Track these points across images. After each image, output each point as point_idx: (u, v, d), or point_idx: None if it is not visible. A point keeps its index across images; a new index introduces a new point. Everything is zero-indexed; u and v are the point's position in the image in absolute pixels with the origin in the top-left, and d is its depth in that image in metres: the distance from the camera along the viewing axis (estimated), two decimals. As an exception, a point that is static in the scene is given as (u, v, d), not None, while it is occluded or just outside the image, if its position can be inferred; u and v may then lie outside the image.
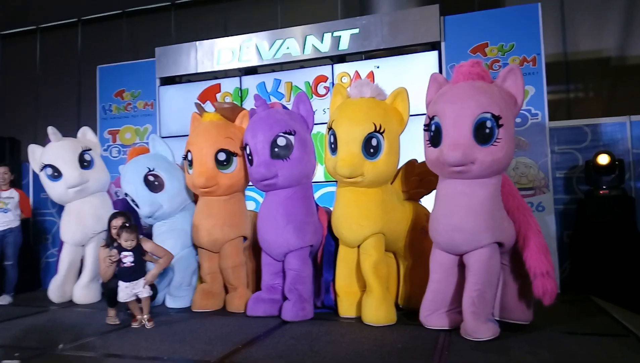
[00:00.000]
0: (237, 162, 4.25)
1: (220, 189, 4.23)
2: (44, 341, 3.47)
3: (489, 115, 3.00)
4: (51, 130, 5.02)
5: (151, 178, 4.49)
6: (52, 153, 4.96)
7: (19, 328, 4.00)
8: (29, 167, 6.90)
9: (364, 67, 5.51)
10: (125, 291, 3.76)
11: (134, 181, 4.46)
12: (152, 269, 3.88)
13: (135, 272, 3.79)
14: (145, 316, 3.78)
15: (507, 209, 3.25)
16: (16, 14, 8.86)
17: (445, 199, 3.24)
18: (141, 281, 3.79)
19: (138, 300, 3.81)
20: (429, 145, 3.25)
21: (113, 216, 3.99)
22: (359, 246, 3.71)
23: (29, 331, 3.89)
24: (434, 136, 3.19)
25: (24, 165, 6.91)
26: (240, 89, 6.03)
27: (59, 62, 8.80)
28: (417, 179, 3.84)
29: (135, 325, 3.76)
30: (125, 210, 4.30)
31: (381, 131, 3.48)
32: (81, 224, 4.95)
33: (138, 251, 3.81)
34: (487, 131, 3.01)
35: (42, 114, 8.60)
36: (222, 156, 4.20)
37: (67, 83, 8.60)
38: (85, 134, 5.28)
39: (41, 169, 5.01)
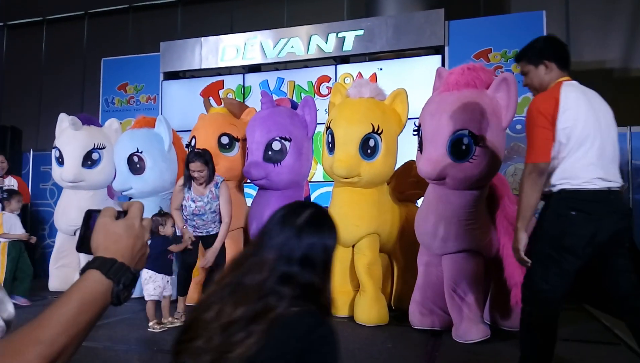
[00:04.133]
0: (239, 147, 4.30)
1: (219, 172, 4.18)
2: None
3: (466, 132, 2.98)
4: (72, 120, 4.95)
5: (135, 159, 4.52)
6: (65, 139, 4.97)
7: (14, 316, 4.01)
8: (29, 157, 6.95)
9: (367, 68, 5.52)
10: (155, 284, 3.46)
11: (120, 155, 4.57)
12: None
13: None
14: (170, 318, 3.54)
15: (494, 218, 3.24)
16: (23, 4, 8.89)
17: (425, 204, 3.32)
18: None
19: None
20: (418, 149, 3.28)
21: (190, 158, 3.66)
22: (353, 246, 3.72)
23: (25, 319, 3.88)
24: (419, 142, 3.24)
25: (24, 155, 6.94)
26: (244, 86, 6.04)
27: (64, 54, 8.82)
28: (414, 181, 3.84)
29: (157, 328, 3.41)
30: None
31: (379, 131, 3.49)
32: (65, 214, 4.97)
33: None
34: (464, 147, 3.00)
35: (45, 105, 8.62)
36: (225, 140, 4.27)
37: (71, 75, 8.62)
38: (112, 125, 5.25)
39: (53, 148, 5.06)
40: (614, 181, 2.15)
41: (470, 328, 3.06)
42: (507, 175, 4.55)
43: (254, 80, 6.02)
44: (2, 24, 9.39)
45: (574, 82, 2.30)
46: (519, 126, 4.73)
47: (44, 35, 9.06)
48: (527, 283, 2.25)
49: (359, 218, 3.61)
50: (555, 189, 2.17)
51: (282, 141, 3.82)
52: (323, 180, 5.27)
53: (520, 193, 2.18)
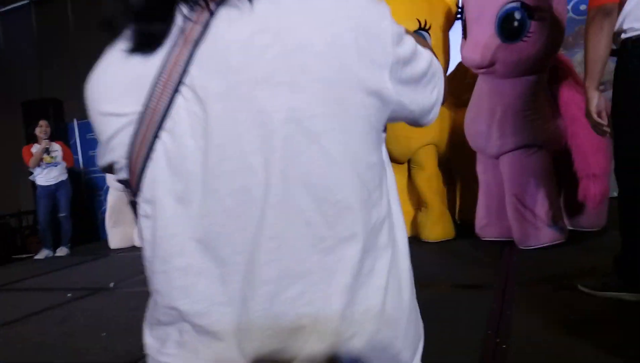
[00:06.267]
0: None
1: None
2: (96, 282, 3.48)
3: (518, 4, 2.58)
4: None
5: None
6: None
7: (74, 273, 4.09)
8: (74, 127, 6.99)
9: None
10: None
11: None
12: None
13: None
14: None
15: (559, 103, 2.84)
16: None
17: (475, 100, 2.96)
18: None
19: None
20: (462, 35, 2.90)
21: None
22: (409, 162, 3.43)
23: (84, 274, 3.94)
24: (463, 27, 2.86)
25: (69, 125, 6.99)
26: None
27: (93, 21, 8.74)
28: (471, 82, 3.45)
29: None
30: None
31: (427, 27, 3.12)
32: None
33: None
34: (516, 24, 2.60)
35: (81, 74, 8.59)
36: None
37: (102, 41, 8.56)
38: None
39: None
40: None
41: (532, 233, 2.76)
42: (574, 64, 4.05)
43: None
44: (28, 1, 9.40)
45: None
46: (583, 7, 4.17)
47: (69, 6, 9.00)
48: (617, 159, 1.91)
49: (411, 129, 3.29)
50: (621, 39, 1.79)
51: None
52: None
53: (585, 44, 1.81)
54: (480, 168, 3.13)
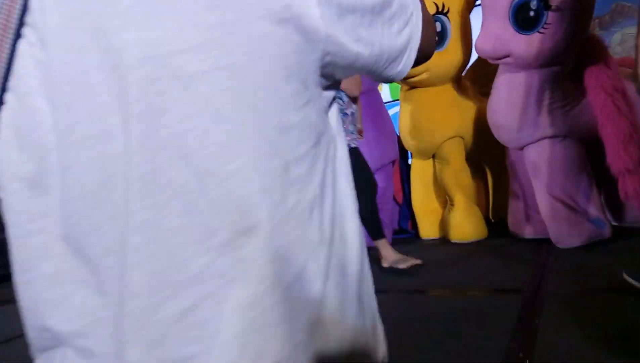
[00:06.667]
0: None
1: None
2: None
3: None
4: None
5: None
6: None
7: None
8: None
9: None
10: None
11: None
12: None
13: None
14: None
15: (587, 90, 2.55)
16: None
17: (494, 91, 2.75)
18: None
19: None
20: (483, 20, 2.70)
21: None
22: (434, 157, 3.22)
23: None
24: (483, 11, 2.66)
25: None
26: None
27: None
28: (495, 70, 3.22)
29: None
30: None
31: (445, 11, 2.91)
32: None
33: None
34: (532, 14, 2.38)
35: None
36: None
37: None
38: None
39: None
40: None
41: (570, 231, 2.49)
42: (612, 45, 3.72)
43: None
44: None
45: None
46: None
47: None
48: None
49: (433, 122, 3.09)
50: None
51: None
52: (391, 100, 4.74)
53: None
54: (510, 161, 2.90)
